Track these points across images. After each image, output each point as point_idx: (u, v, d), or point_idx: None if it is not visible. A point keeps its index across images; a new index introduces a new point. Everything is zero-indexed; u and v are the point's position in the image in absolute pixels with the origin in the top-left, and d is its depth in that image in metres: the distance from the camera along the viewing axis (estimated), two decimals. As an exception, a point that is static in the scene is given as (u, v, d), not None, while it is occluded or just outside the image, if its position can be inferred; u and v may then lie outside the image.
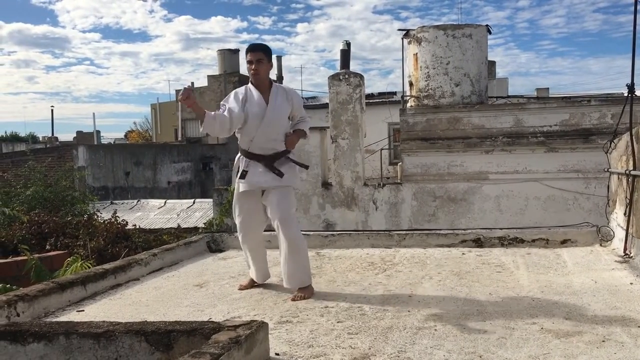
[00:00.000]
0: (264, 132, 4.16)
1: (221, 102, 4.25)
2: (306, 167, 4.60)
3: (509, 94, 19.23)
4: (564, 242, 5.74)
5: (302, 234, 4.29)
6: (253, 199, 4.27)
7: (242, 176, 4.20)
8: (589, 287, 4.17)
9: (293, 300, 4.03)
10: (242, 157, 4.29)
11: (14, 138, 42.61)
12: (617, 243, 5.29)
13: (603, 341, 3.06)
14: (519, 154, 10.89)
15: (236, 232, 4.62)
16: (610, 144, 5.75)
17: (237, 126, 4.14)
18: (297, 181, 4.38)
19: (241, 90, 4.26)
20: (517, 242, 5.83)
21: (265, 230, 4.51)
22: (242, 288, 4.46)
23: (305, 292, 4.12)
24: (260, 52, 4.18)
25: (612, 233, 5.49)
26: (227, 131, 4.12)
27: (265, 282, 4.59)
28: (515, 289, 4.19)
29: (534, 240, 5.80)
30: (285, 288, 4.24)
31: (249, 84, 4.26)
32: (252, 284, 4.49)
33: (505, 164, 10.95)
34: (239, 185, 4.25)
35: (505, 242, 5.85)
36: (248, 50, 4.22)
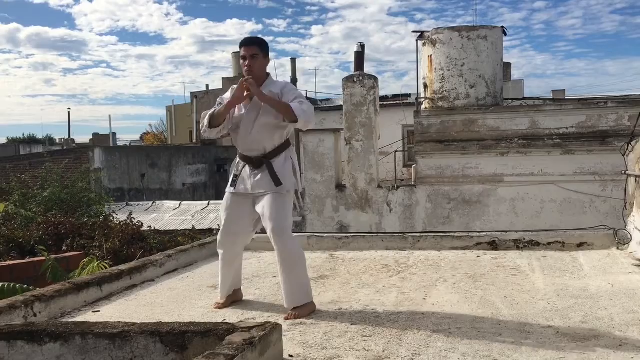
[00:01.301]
0: (246, 133, 3.82)
1: (218, 99, 4.02)
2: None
3: (525, 96, 19.07)
4: (580, 245, 5.69)
5: (298, 246, 3.87)
6: (242, 203, 3.89)
7: (233, 182, 3.92)
8: (606, 290, 4.13)
9: (286, 319, 3.63)
10: (236, 157, 4.01)
11: (32, 140, 43.15)
12: (635, 246, 5.22)
13: (620, 345, 3.03)
14: (534, 156, 10.80)
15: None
16: (628, 146, 5.68)
17: (216, 130, 3.86)
18: (291, 184, 3.86)
19: (234, 87, 3.94)
20: (532, 245, 5.78)
21: (258, 233, 4.21)
22: (218, 307, 3.99)
23: (302, 310, 3.70)
24: (254, 47, 3.81)
25: (629, 236, 5.42)
26: (209, 133, 3.89)
27: (277, 283, 4.57)
28: (530, 292, 4.15)
29: (549, 243, 5.75)
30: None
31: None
32: (227, 303, 4.01)
33: (520, 167, 10.87)
34: (228, 188, 3.95)
35: (521, 245, 5.80)
36: (242, 45, 3.84)
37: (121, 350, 2.64)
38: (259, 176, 3.81)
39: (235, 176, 3.91)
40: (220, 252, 4.03)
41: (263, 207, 3.78)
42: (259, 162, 3.82)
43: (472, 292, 4.21)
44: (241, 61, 3.86)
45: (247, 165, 3.87)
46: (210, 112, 3.87)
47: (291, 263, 3.74)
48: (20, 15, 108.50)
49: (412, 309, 3.81)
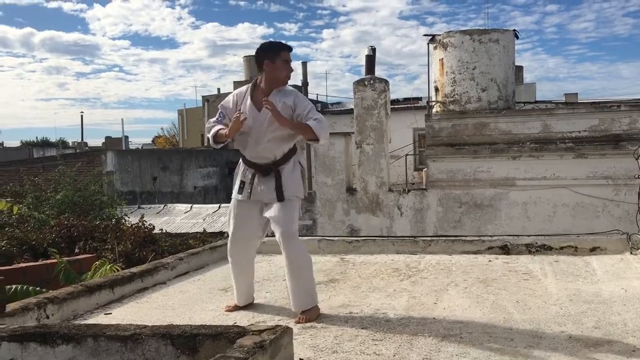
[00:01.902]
0: (257, 142, 3.80)
1: (219, 107, 3.97)
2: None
3: (537, 100, 18.97)
4: (593, 250, 5.64)
5: (306, 250, 3.88)
6: (250, 209, 3.90)
7: (240, 189, 3.89)
8: (619, 295, 4.09)
9: (297, 323, 3.66)
10: (241, 163, 3.96)
11: (45, 143, 43.51)
12: (649, 251, 5.18)
13: (633, 351, 3.00)
14: (547, 160, 10.73)
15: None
16: (641, 150, 5.64)
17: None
18: (301, 191, 3.90)
19: (240, 94, 3.93)
20: (545, 249, 5.74)
21: (268, 236, 4.22)
22: (229, 310, 4.03)
23: (310, 314, 3.73)
24: None
25: (643, 241, 5.38)
26: (215, 146, 3.95)
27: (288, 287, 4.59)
28: (543, 297, 4.13)
29: (562, 248, 5.71)
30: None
31: (251, 86, 3.91)
32: (236, 307, 4.05)
33: (532, 170, 10.81)
34: (235, 195, 3.94)
35: (533, 249, 5.77)
36: (287, 49, 3.84)
37: (133, 353, 2.65)
38: (269, 183, 3.81)
39: (242, 182, 3.90)
40: (231, 259, 4.04)
41: (272, 212, 3.79)
42: (268, 170, 3.83)
43: (484, 297, 4.19)
44: (283, 64, 3.81)
45: (254, 172, 3.87)
46: (214, 129, 3.86)
47: (299, 267, 3.76)
48: (34, 20, 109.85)
49: (423, 314, 3.80)
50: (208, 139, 3.97)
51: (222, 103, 4.01)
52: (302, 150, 12.60)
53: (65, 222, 9.60)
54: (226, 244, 6.18)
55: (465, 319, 3.65)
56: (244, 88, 3.98)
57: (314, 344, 3.24)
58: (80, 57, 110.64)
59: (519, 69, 21.51)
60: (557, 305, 3.90)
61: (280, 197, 3.77)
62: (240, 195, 3.90)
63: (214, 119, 3.96)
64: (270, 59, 3.80)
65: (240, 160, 3.98)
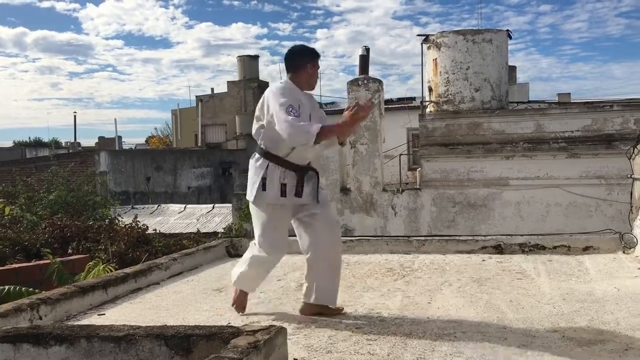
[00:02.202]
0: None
1: (288, 103, 3.54)
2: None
3: (530, 99, 19.04)
4: (586, 249, 5.67)
5: None
6: (287, 211, 3.80)
7: (282, 192, 3.69)
8: (612, 294, 4.11)
9: (342, 311, 3.83)
10: (272, 165, 3.72)
11: (38, 143, 43.30)
12: (641, 250, 5.21)
13: (626, 350, 3.01)
14: (540, 159, 10.77)
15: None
16: (634, 149, 5.67)
17: None
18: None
19: (295, 89, 3.72)
20: (538, 248, 5.77)
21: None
22: (240, 306, 3.96)
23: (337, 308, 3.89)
24: None
25: (635, 240, 5.41)
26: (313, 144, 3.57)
27: (282, 287, 4.59)
28: (536, 297, 4.14)
29: (555, 247, 5.74)
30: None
31: (295, 86, 3.75)
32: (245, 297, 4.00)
33: (526, 170, 10.85)
34: (279, 199, 3.71)
35: (526, 248, 5.79)
36: (319, 57, 3.85)
37: (126, 354, 2.64)
38: (310, 184, 3.78)
39: (284, 185, 3.70)
40: (266, 264, 3.89)
41: (317, 210, 3.78)
42: (307, 170, 3.79)
43: (478, 296, 4.20)
44: (314, 71, 3.81)
45: (294, 173, 3.73)
46: (317, 126, 3.48)
47: (341, 263, 3.95)
48: (27, 19, 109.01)
49: (417, 313, 3.80)
50: (308, 138, 3.47)
51: (290, 97, 3.61)
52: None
53: (59, 223, 9.58)
54: (220, 244, 6.21)
55: (459, 318, 3.66)
56: (285, 85, 3.74)
57: (308, 344, 3.24)
58: (73, 57, 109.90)
59: (512, 69, 21.58)
60: (550, 305, 3.91)
61: (318, 198, 3.82)
62: (285, 199, 3.71)
63: (294, 116, 3.51)
64: (312, 62, 3.78)
65: (269, 163, 3.73)
